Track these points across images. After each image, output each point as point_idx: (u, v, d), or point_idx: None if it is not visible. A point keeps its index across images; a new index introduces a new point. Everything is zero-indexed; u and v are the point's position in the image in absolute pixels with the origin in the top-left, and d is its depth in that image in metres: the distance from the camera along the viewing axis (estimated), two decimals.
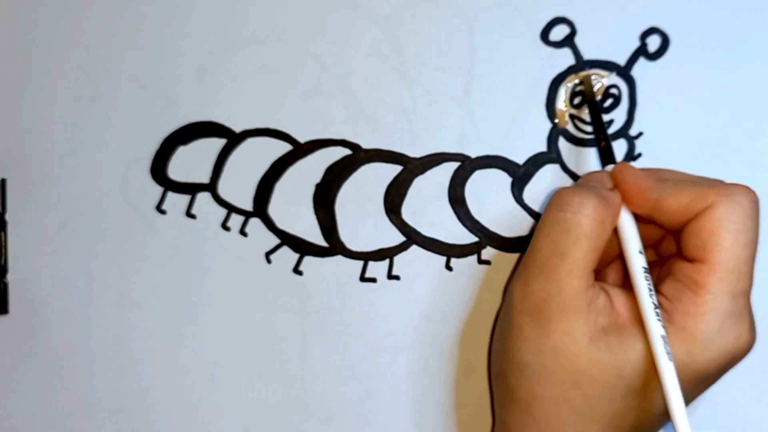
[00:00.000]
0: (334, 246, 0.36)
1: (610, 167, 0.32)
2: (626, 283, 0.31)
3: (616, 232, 0.31)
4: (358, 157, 0.36)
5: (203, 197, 0.37)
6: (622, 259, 0.31)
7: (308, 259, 0.36)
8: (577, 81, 0.35)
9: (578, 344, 0.29)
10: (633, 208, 0.31)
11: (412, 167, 0.36)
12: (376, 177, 0.36)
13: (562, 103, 0.35)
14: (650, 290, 0.29)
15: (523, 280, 0.30)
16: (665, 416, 0.30)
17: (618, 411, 0.29)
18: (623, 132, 0.35)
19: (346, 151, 0.36)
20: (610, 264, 0.33)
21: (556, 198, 0.30)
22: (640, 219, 0.31)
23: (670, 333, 0.28)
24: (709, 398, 0.34)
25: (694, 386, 0.29)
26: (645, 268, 0.30)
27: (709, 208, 0.29)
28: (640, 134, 0.35)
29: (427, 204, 0.36)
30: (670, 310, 0.29)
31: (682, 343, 0.28)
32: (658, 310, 0.29)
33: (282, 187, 0.36)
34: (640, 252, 0.30)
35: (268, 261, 0.36)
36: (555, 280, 0.29)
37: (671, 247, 0.32)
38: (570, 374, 0.29)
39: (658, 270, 0.32)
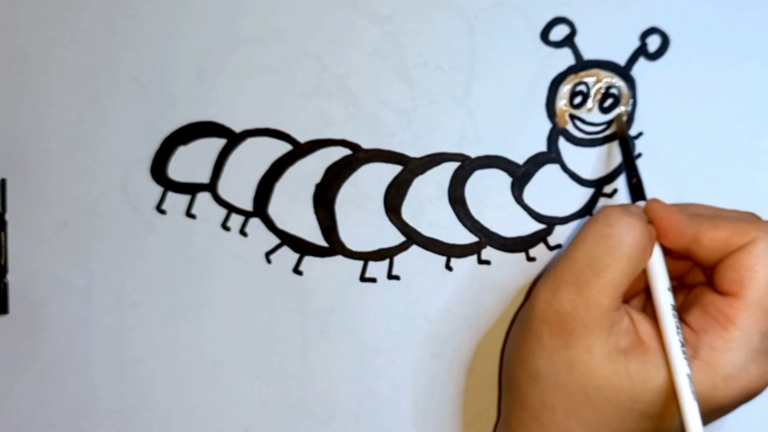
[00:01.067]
0: (334, 246, 0.36)
1: (641, 203, 0.32)
2: (647, 308, 0.31)
3: (645, 267, 0.31)
4: (358, 157, 0.36)
5: (203, 197, 0.36)
6: (647, 293, 0.31)
7: (308, 259, 0.36)
8: (581, 83, 0.35)
9: (596, 362, 0.29)
10: (668, 244, 0.31)
11: (412, 167, 0.36)
12: (376, 177, 0.36)
13: (562, 103, 0.35)
14: (678, 327, 0.29)
15: (552, 288, 0.30)
16: None
17: (629, 430, 0.29)
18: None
19: (346, 151, 0.36)
20: (634, 298, 0.32)
21: (604, 213, 0.30)
22: (671, 254, 0.31)
23: (695, 367, 0.28)
24: None
25: (711, 416, 0.29)
26: (673, 305, 0.30)
27: (749, 244, 0.29)
28: (640, 134, 0.35)
29: (427, 204, 0.36)
30: (695, 343, 0.29)
31: (706, 378, 0.28)
32: (684, 348, 0.28)
33: (282, 187, 0.36)
34: (669, 289, 0.30)
35: (268, 261, 0.36)
36: (585, 295, 0.29)
37: (696, 278, 0.32)
38: (583, 389, 0.29)
39: (684, 297, 0.32)
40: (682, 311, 0.31)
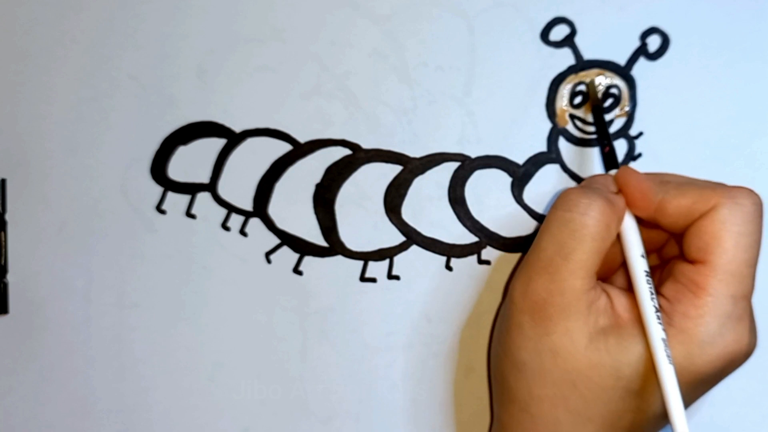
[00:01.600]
0: (334, 246, 0.36)
1: (613, 172, 0.32)
2: (629, 286, 0.31)
3: (619, 236, 0.31)
4: (358, 157, 0.36)
5: (203, 197, 0.37)
6: (625, 266, 0.31)
7: (308, 259, 0.36)
8: (581, 84, 0.35)
9: (577, 345, 0.29)
10: (636, 212, 0.31)
11: (412, 167, 0.36)
12: (376, 177, 0.36)
13: (562, 103, 0.35)
14: (651, 293, 0.29)
15: (525, 279, 0.30)
16: (663, 418, 0.30)
17: (615, 412, 0.29)
18: (623, 132, 0.35)
19: (346, 151, 0.36)
20: (616, 271, 0.33)
21: (563, 198, 0.30)
22: (644, 223, 0.31)
23: (670, 335, 0.28)
24: (710, 399, 0.34)
25: (693, 388, 0.29)
26: (646, 271, 0.30)
27: (712, 210, 0.29)
28: (640, 134, 0.35)
29: (427, 204, 0.36)
30: (669, 312, 0.29)
31: (681, 345, 0.28)
32: (659, 313, 0.29)
33: (282, 187, 0.36)
34: (642, 256, 0.30)
35: (268, 261, 0.36)
36: (558, 281, 0.29)
37: (674, 251, 0.32)
38: (567, 374, 0.29)
39: (660, 272, 0.32)
40: (658, 285, 0.31)
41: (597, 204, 0.29)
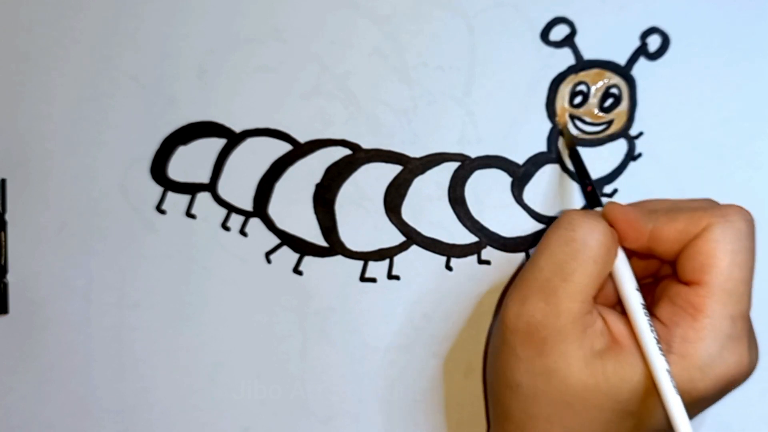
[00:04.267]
0: (334, 246, 0.36)
1: (598, 209, 0.32)
2: (623, 308, 0.31)
3: (611, 273, 0.30)
4: (358, 157, 0.36)
5: (203, 197, 0.37)
6: (619, 299, 0.31)
7: (308, 259, 0.36)
8: (581, 84, 0.35)
9: (572, 368, 0.28)
10: (629, 244, 0.30)
11: (412, 167, 0.36)
12: (376, 177, 0.36)
13: (562, 103, 0.35)
14: (651, 326, 0.29)
15: (520, 298, 0.29)
16: None
17: (612, 430, 0.29)
18: (623, 132, 0.35)
19: (346, 151, 0.36)
20: (606, 295, 0.32)
21: (565, 218, 0.30)
22: (637, 255, 0.31)
23: (671, 362, 0.28)
24: None
25: (694, 408, 0.29)
26: (643, 304, 0.29)
27: (705, 230, 0.29)
28: (641, 134, 0.35)
29: (427, 204, 0.36)
30: (667, 337, 0.29)
31: (682, 371, 0.28)
32: (660, 345, 0.28)
33: (282, 187, 0.36)
34: (637, 289, 0.30)
35: (268, 261, 0.36)
36: (554, 303, 0.29)
37: (666, 269, 0.32)
38: (562, 395, 0.29)
39: (653, 291, 0.32)
40: (651, 305, 0.30)
41: (601, 226, 0.29)
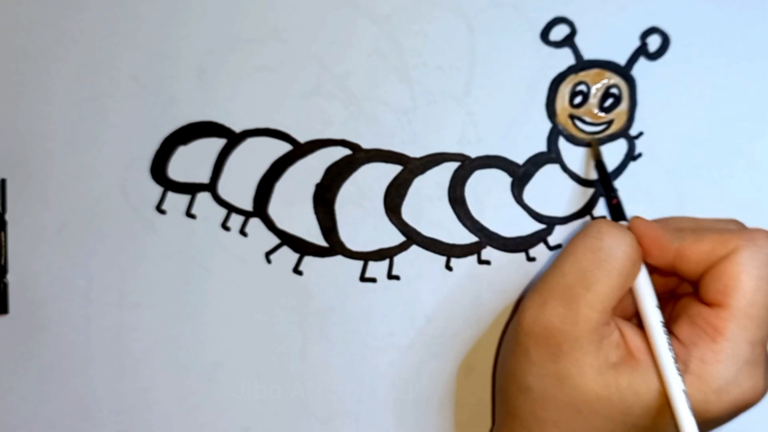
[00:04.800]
0: (334, 246, 0.36)
1: (623, 223, 0.32)
2: (640, 323, 0.31)
3: (631, 288, 0.30)
4: (358, 157, 0.36)
5: (203, 197, 0.36)
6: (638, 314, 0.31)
7: (308, 259, 0.36)
8: (581, 84, 0.35)
9: (586, 377, 0.28)
10: (653, 261, 0.30)
11: (412, 167, 0.36)
12: (376, 177, 0.36)
13: (562, 103, 0.35)
14: (669, 344, 0.29)
15: (539, 302, 0.29)
16: None
17: None
18: (623, 132, 0.35)
19: (346, 151, 0.36)
20: (624, 308, 0.32)
21: (594, 226, 0.30)
22: (658, 271, 0.31)
23: (687, 381, 0.28)
24: None
25: (703, 428, 0.29)
26: (662, 322, 0.29)
27: (732, 253, 0.29)
28: (641, 134, 0.35)
29: (427, 204, 0.36)
30: (685, 356, 0.29)
31: (697, 392, 0.28)
32: (677, 365, 0.28)
33: (282, 187, 0.36)
34: (657, 307, 0.30)
35: (268, 261, 0.36)
36: (574, 310, 0.29)
37: (685, 288, 0.32)
38: (573, 402, 0.29)
39: (671, 307, 0.32)
40: (669, 322, 0.30)
41: (629, 238, 0.29)
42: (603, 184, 0.34)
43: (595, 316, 0.28)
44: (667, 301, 0.32)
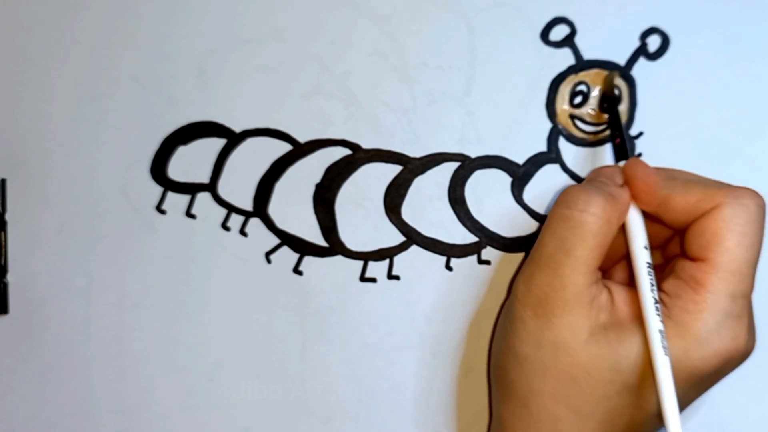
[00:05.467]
0: (334, 246, 0.36)
1: (622, 163, 0.32)
2: (631, 282, 0.32)
3: (623, 228, 0.31)
4: (358, 157, 0.36)
5: (203, 197, 0.37)
6: (628, 258, 0.31)
7: (308, 259, 0.36)
8: (581, 83, 0.35)
9: (578, 339, 0.29)
10: (641, 205, 0.31)
11: (412, 167, 0.36)
12: (376, 177, 0.36)
13: (562, 103, 0.35)
14: (652, 285, 0.29)
15: (528, 274, 0.30)
16: (661, 417, 0.30)
17: (614, 408, 0.29)
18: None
19: (346, 151, 0.36)
20: (618, 262, 0.33)
21: (563, 196, 0.31)
22: (647, 217, 0.31)
23: (668, 327, 0.29)
24: (710, 398, 0.34)
25: (690, 386, 0.29)
26: (648, 263, 0.30)
27: (716, 208, 0.29)
28: (641, 134, 0.35)
29: (427, 204, 0.36)
30: (669, 306, 0.29)
31: (678, 339, 0.29)
32: (658, 305, 0.29)
33: (282, 187, 0.36)
34: (645, 247, 0.30)
35: (268, 261, 0.36)
36: (559, 276, 0.29)
37: (676, 249, 0.32)
38: (568, 369, 0.29)
39: (662, 270, 0.32)
40: (660, 281, 0.31)
41: (596, 200, 0.30)
42: (610, 120, 0.34)
43: (579, 278, 0.29)
44: (660, 266, 0.32)
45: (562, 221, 0.30)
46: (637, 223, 0.31)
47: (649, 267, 0.30)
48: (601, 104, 0.35)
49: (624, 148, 0.33)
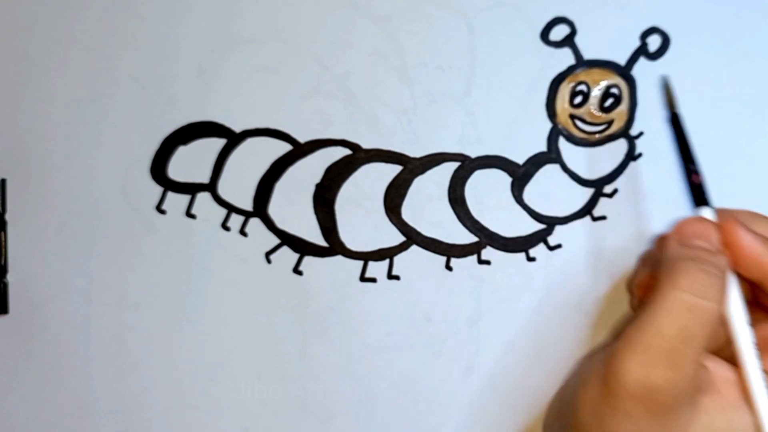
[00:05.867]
0: (334, 246, 0.36)
1: (705, 210, 0.30)
2: (720, 351, 0.30)
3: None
4: (358, 157, 0.36)
5: (203, 197, 0.36)
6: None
7: (308, 259, 0.36)
8: (581, 83, 0.35)
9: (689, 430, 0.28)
10: (744, 273, 0.29)
11: (412, 167, 0.36)
12: (376, 177, 0.36)
13: (562, 103, 0.35)
14: (761, 369, 0.28)
15: (641, 362, 0.28)
16: None
17: None
18: (623, 132, 0.35)
19: (346, 151, 0.36)
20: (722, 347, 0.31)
21: (688, 280, 0.28)
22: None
23: None
24: None
25: None
26: (754, 343, 0.28)
27: None
28: (641, 134, 0.35)
29: (427, 204, 0.36)
30: None
31: None
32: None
33: (282, 187, 0.36)
34: (749, 324, 0.29)
35: (268, 261, 0.36)
36: (678, 368, 0.27)
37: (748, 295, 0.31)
38: None
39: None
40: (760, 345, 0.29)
41: (717, 285, 0.28)
42: (681, 149, 0.29)
43: (694, 367, 0.28)
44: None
45: (688, 310, 0.27)
46: (739, 298, 0.29)
47: (755, 347, 0.28)
48: (601, 104, 0.35)
49: (703, 190, 0.29)
